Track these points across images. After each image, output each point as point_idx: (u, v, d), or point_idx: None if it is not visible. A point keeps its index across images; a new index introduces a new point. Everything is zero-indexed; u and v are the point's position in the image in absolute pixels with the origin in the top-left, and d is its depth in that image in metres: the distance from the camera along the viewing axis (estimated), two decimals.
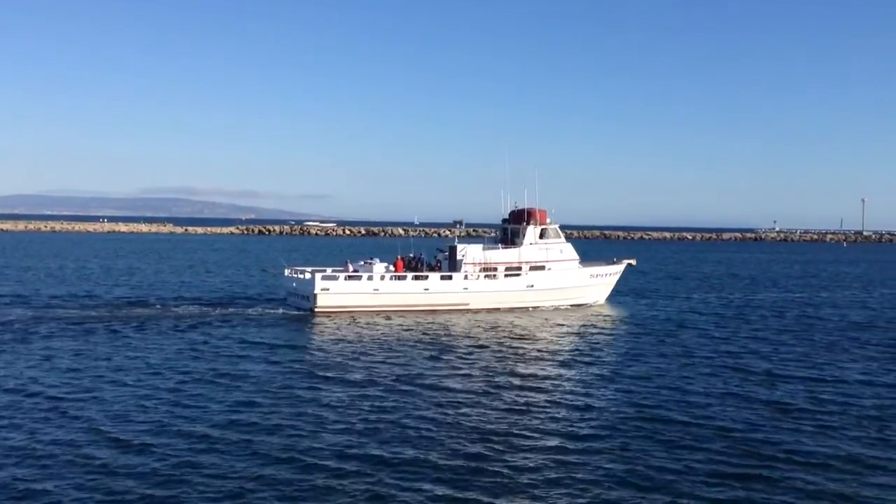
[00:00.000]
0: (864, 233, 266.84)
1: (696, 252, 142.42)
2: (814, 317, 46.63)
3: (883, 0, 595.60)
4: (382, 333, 37.07)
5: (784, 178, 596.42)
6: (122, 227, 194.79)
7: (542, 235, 48.12)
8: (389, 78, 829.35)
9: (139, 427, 20.34)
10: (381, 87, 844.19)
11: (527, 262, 47.44)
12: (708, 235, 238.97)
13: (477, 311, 44.96)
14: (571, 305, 48.57)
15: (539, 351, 33.17)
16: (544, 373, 28.40)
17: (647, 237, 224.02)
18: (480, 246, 47.98)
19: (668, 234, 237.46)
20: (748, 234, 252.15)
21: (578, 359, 31.32)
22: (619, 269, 52.38)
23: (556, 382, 26.72)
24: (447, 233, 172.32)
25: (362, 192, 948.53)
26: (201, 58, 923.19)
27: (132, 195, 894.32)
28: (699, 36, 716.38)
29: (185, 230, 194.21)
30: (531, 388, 25.62)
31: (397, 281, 44.85)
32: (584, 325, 41.20)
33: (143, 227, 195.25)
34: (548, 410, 22.70)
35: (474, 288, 45.95)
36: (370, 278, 44.44)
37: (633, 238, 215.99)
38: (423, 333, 37.27)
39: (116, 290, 53.27)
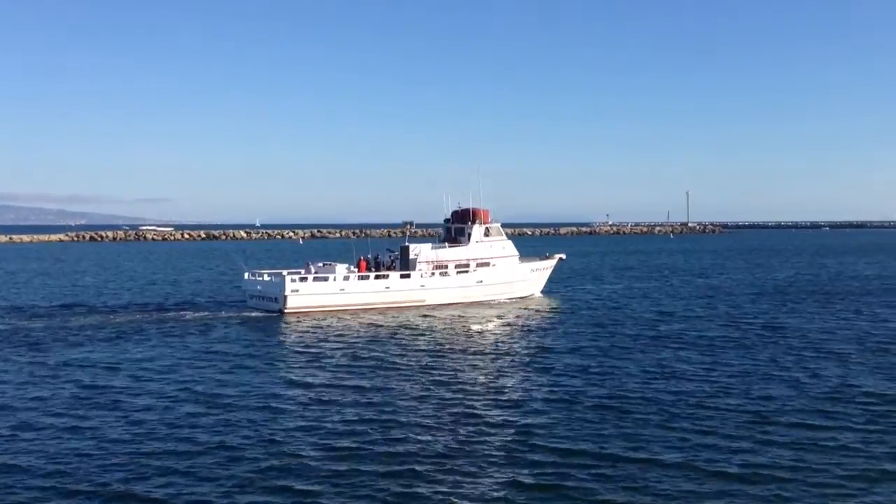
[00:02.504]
0: (689, 224, 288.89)
1: (541, 247, 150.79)
2: (627, 309, 48.80)
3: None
4: (360, 332, 39.36)
5: (616, 172, 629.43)
6: None
7: (486, 234, 52.54)
8: (232, 67, 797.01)
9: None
10: (222, 78, 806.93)
11: (474, 259, 51.61)
12: (546, 230, 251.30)
13: (432, 307, 48.40)
14: (514, 298, 53.22)
15: (497, 343, 35.93)
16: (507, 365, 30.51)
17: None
18: (430, 245, 51.75)
19: (509, 230, 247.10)
20: (584, 228, 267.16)
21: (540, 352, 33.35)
22: (551, 263, 57.60)
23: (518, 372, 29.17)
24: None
25: (203, 195, 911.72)
26: (13, 49, 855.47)
27: None
28: (525, 26, 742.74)
29: (10, 238, 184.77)
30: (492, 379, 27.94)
31: (361, 281, 47.98)
32: (533, 316, 45.70)
33: None
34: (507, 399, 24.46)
35: (430, 285, 49.55)
36: (335, 279, 47.47)
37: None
38: (395, 330, 40.08)
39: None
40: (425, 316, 45.12)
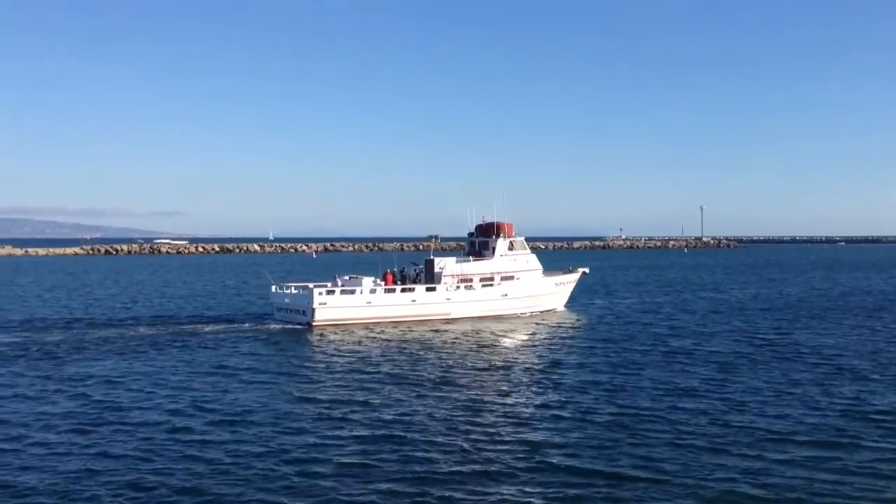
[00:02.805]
0: (704, 238, 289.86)
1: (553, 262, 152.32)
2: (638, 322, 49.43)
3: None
4: (380, 346, 39.89)
5: (629, 186, 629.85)
6: None
7: (510, 247, 53.80)
8: (246, 80, 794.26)
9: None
10: (235, 90, 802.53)
11: (498, 273, 52.54)
12: (559, 244, 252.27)
13: (457, 320, 49.02)
14: (538, 312, 54.09)
15: (529, 358, 36.41)
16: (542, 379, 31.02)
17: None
18: (454, 259, 53.07)
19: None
20: (597, 242, 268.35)
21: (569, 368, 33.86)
22: (575, 277, 58.44)
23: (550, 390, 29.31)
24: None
25: (217, 209, 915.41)
26: (31, 66, 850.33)
27: None
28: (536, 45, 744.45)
29: (26, 252, 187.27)
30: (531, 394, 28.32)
31: (388, 294, 49.28)
32: (559, 330, 45.93)
33: None
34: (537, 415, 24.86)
35: (456, 298, 50.35)
36: (362, 292, 49.05)
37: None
38: (422, 344, 40.55)
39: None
40: (448, 330, 45.38)
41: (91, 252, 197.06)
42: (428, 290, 49.93)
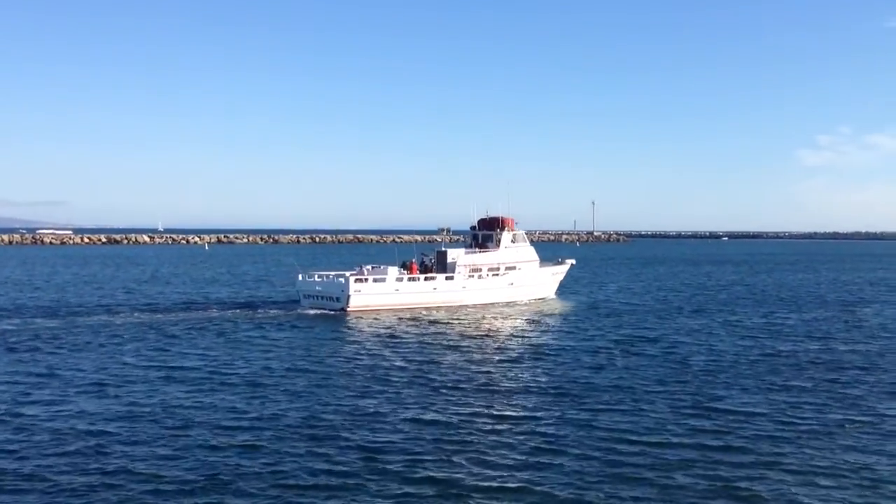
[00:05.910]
0: (595, 233, 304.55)
1: None
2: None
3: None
4: (432, 331, 46.05)
5: (523, 180, 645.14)
6: None
7: (512, 240, 60.75)
8: (132, 63, 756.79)
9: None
10: (122, 73, 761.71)
11: (504, 264, 59.83)
12: (457, 237, 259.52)
13: (470, 307, 55.88)
14: (536, 299, 61.68)
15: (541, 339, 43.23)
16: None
17: (398, 240, 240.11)
18: (463, 250, 59.64)
19: (418, 238, 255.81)
20: None
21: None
22: (565, 268, 66.46)
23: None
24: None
25: (103, 198, 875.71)
26: None
27: None
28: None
29: None
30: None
31: (412, 282, 55.44)
32: (564, 315, 54.01)
33: None
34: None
35: (470, 287, 57.55)
36: (390, 280, 54.63)
37: (384, 242, 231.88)
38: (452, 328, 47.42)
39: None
40: (463, 316, 51.12)
41: None
42: (447, 279, 55.98)
